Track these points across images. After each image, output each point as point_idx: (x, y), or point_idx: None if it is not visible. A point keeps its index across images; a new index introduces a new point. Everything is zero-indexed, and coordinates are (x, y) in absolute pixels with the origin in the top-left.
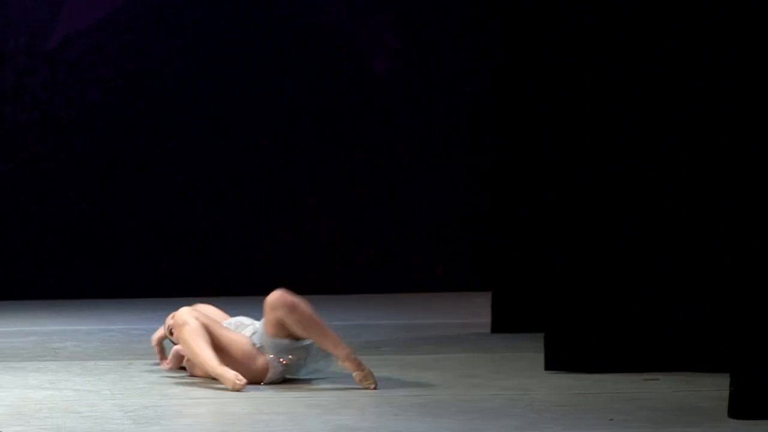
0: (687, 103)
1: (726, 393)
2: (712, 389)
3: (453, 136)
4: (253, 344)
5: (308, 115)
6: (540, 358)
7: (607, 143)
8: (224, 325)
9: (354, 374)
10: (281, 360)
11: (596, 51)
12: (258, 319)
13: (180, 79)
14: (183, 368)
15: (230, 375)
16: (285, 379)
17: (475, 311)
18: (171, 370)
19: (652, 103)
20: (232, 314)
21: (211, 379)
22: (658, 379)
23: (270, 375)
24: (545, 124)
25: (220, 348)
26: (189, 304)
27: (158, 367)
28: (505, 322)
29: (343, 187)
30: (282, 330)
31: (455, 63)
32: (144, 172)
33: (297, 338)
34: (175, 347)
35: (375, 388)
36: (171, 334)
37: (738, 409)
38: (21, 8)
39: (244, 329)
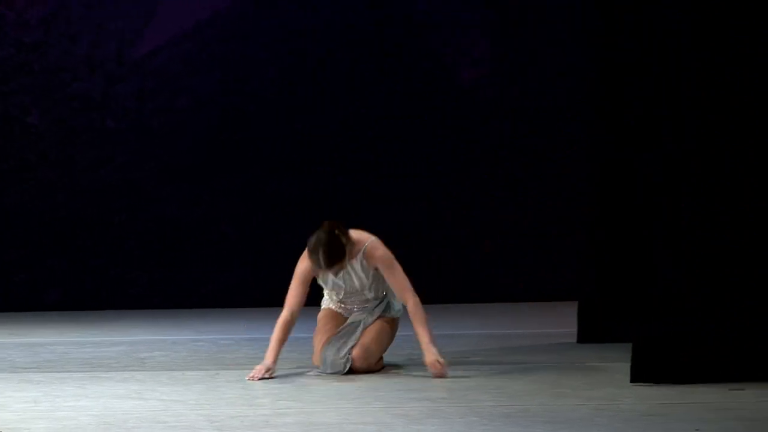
0: None
1: None
2: None
3: (541, 144)
4: None
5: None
6: (626, 368)
7: (709, 150)
8: None
9: None
10: None
11: (700, 49)
12: None
13: (268, 87)
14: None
15: None
16: (372, 390)
17: (561, 321)
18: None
19: None
20: None
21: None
22: (743, 389)
23: None
24: (646, 128)
25: None
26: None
27: (245, 377)
28: (591, 333)
29: (432, 196)
30: None
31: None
32: (240, 178)
33: None
34: None
35: None
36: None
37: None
38: (112, 16)
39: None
